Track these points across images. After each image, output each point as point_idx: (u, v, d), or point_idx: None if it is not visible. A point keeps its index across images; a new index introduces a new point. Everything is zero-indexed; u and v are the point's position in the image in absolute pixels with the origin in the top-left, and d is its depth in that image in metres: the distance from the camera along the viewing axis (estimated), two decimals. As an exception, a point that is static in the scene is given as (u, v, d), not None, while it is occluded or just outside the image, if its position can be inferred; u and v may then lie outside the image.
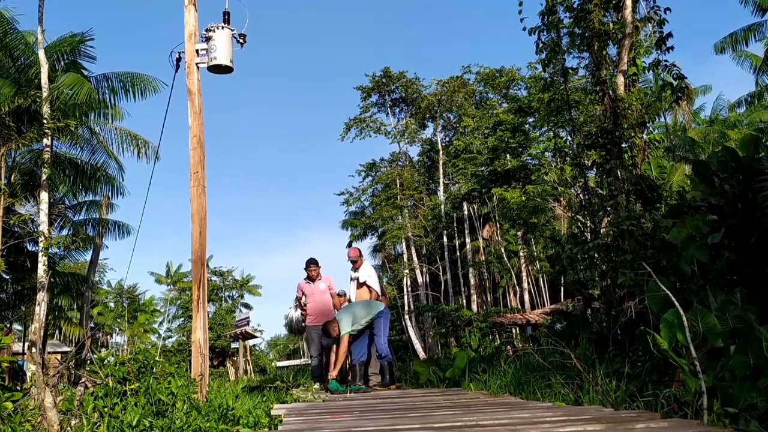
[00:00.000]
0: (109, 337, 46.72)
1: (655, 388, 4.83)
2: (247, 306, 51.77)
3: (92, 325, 35.29)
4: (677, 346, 4.67)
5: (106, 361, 5.71)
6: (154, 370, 5.65)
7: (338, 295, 10.22)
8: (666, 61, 7.58)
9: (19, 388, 7.13)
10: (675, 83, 7.66)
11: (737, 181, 5.55)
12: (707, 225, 5.50)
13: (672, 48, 7.52)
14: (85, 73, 15.63)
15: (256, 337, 31.66)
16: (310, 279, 10.05)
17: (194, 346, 6.49)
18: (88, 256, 23.28)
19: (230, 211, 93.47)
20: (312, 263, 10.07)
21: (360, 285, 10.15)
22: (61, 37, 15.70)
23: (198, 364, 6.33)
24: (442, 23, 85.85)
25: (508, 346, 13.50)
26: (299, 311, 10.07)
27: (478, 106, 31.70)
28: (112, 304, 47.44)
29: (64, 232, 20.92)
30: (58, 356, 26.79)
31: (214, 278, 49.17)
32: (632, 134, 7.36)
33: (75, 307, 27.28)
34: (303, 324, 10.06)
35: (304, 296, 10.05)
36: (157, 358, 5.95)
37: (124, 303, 47.21)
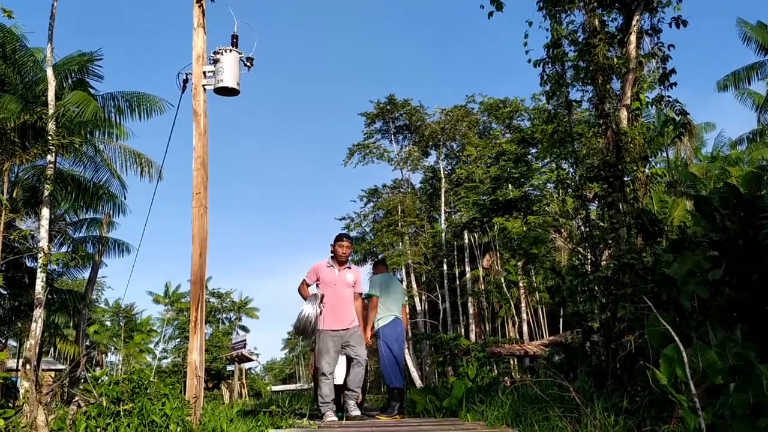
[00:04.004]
0: (104, 356, 46.47)
1: (653, 424, 4.77)
2: (244, 329, 51.66)
3: (88, 343, 35.05)
4: (676, 382, 4.63)
5: (100, 380, 5.66)
6: (148, 391, 5.60)
7: (363, 297, 7.70)
8: (669, 96, 7.65)
9: (11, 404, 7.06)
10: (677, 119, 7.73)
11: (739, 218, 5.55)
12: (708, 261, 5.49)
13: (675, 84, 7.61)
14: (92, 91, 15.75)
15: (252, 360, 31.39)
16: (338, 261, 7.31)
17: (190, 367, 6.43)
18: (86, 274, 23.21)
19: (230, 233, 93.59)
20: (346, 237, 7.45)
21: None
22: (70, 55, 15.85)
23: (193, 386, 6.26)
24: (447, 53, 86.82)
25: (506, 377, 13.39)
26: (317, 308, 7.17)
27: (482, 135, 31.95)
28: (108, 323, 47.27)
29: (64, 248, 20.92)
30: (52, 374, 26.60)
31: (212, 300, 49.08)
32: (634, 168, 7.38)
33: (71, 324, 27.17)
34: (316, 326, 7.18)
35: (316, 284, 7.38)
36: (151, 379, 5.90)
37: (120, 322, 47.04)
